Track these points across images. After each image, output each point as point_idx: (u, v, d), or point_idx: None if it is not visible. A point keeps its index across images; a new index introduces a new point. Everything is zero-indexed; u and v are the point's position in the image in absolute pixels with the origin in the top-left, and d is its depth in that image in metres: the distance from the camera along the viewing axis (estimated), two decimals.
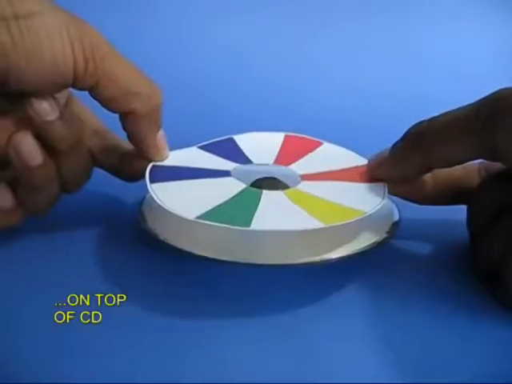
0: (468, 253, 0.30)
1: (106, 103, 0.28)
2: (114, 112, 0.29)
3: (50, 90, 0.27)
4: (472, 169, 0.31)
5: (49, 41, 0.25)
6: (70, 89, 0.28)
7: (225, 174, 0.32)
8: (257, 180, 0.31)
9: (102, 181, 0.33)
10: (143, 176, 0.30)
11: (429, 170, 0.30)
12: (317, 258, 0.27)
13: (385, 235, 0.29)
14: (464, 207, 0.30)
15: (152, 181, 0.30)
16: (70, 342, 0.23)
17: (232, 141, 0.36)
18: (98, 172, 0.32)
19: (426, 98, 0.45)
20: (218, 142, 0.36)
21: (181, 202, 0.28)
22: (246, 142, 0.36)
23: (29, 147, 0.27)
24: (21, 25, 0.24)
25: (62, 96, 0.30)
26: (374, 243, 0.28)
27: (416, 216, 0.33)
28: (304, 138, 0.37)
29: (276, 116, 0.46)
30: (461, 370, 0.23)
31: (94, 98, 0.28)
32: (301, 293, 0.28)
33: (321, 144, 0.36)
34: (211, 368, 0.23)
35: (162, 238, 0.27)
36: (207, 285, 0.27)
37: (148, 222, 0.29)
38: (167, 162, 0.32)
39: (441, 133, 0.27)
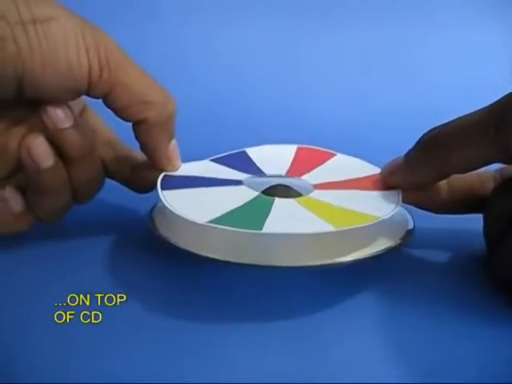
0: (483, 260, 0.30)
1: (120, 111, 0.28)
2: (127, 121, 0.29)
3: (64, 97, 0.27)
4: (487, 175, 0.30)
5: (65, 46, 0.25)
6: (85, 98, 0.29)
7: (237, 183, 0.32)
8: (269, 187, 0.31)
9: (113, 191, 0.33)
10: (155, 187, 0.30)
11: (444, 176, 0.29)
12: (329, 261, 0.26)
13: (399, 241, 0.28)
14: (480, 216, 0.29)
15: (163, 188, 0.30)
16: (70, 342, 0.23)
17: (244, 153, 0.36)
18: (109, 182, 0.32)
19: (431, 109, 0.44)
20: (230, 154, 0.36)
21: (191, 208, 0.28)
22: (259, 154, 0.36)
23: (40, 148, 0.27)
24: (38, 29, 0.24)
25: (77, 105, 0.30)
26: (387, 248, 0.27)
27: (431, 225, 0.33)
28: (317, 149, 0.37)
29: (287, 129, 0.46)
30: (473, 373, 0.23)
31: (108, 107, 0.28)
32: (312, 296, 0.27)
33: (334, 155, 0.36)
34: (214, 367, 0.22)
35: (172, 242, 0.27)
36: (212, 286, 0.27)
37: (158, 227, 0.29)
38: (179, 173, 0.32)
39: (455, 138, 0.27)
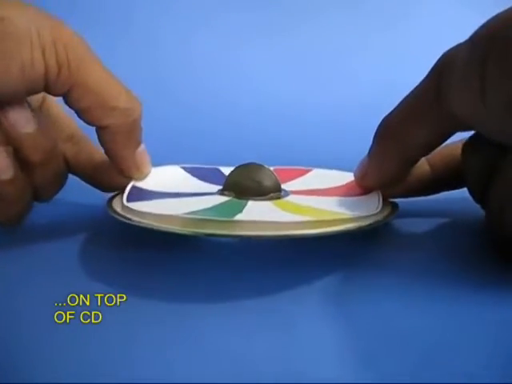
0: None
1: (81, 114, 0.27)
2: (90, 125, 0.28)
3: (19, 97, 0.26)
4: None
5: (17, 47, 0.24)
6: None
7: (209, 194, 0.31)
8: (240, 165, 0.31)
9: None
10: (119, 187, 0.29)
11: (412, 161, 0.28)
12: (296, 232, 0.25)
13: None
14: None
15: (128, 201, 0.28)
16: (70, 342, 0.23)
17: (218, 171, 0.35)
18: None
19: None
20: (203, 168, 0.35)
21: (158, 209, 0.27)
22: None
23: None
24: None
25: (35, 98, 0.29)
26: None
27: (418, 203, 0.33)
28: (293, 168, 0.37)
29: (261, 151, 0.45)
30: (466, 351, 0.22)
31: (70, 107, 0.27)
32: (289, 273, 0.27)
33: (311, 170, 0.36)
34: (215, 365, 0.22)
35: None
36: (206, 284, 0.27)
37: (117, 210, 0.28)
38: (147, 185, 0.31)
39: (404, 119, 0.26)
